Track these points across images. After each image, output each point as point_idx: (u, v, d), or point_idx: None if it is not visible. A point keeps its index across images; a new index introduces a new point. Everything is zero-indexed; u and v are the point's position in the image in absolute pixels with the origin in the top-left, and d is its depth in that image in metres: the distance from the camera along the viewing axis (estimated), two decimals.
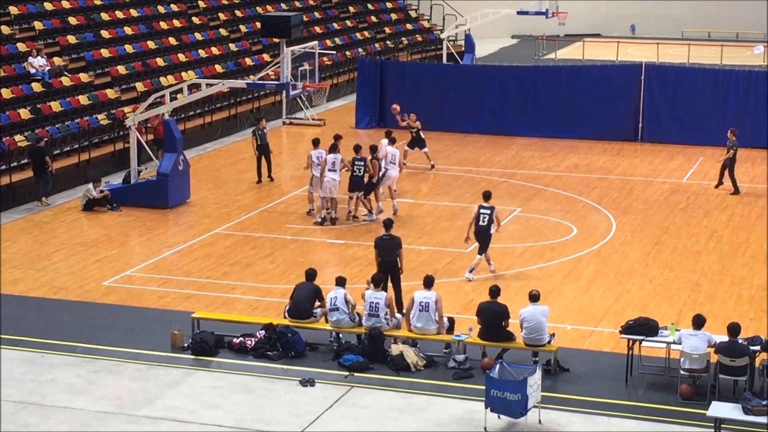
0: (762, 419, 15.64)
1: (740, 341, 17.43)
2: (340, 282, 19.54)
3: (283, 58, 29.08)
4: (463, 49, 50.06)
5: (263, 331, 19.45)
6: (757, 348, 17.66)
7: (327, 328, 19.51)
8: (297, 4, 49.71)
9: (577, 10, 56.74)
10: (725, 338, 17.49)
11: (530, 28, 59.94)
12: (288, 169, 33.12)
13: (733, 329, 17.38)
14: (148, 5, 42.05)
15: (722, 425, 15.94)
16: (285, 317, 19.72)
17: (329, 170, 26.99)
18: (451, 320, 19.34)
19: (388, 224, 21.70)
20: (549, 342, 18.47)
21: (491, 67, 41.68)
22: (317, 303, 19.62)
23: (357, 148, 27.67)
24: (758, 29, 58.73)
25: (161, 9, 42.44)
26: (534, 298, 18.54)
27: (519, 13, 50.72)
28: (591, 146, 36.37)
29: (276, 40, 40.82)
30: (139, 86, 36.48)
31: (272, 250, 25.47)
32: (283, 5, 48.65)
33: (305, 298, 19.58)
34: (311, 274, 19.98)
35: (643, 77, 36.85)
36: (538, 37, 57.59)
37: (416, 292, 19.15)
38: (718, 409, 15.97)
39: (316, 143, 28.16)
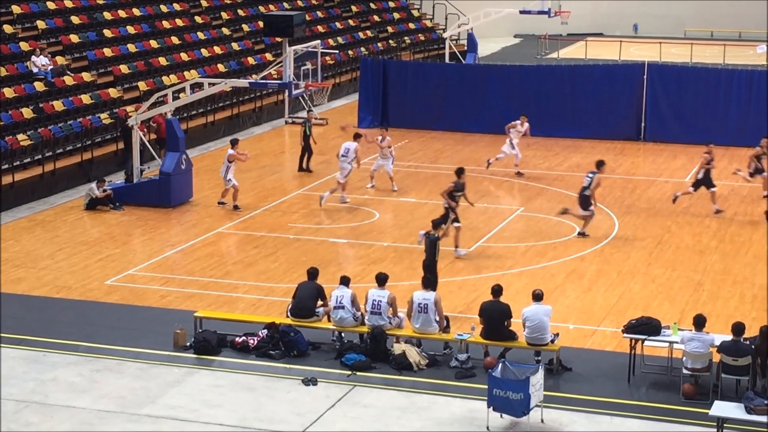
0: (764, 419, 15.62)
1: (742, 341, 17.43)
2: (345, 281, 19.55)
3: (286, 57, 29.08)
4: (465, 48, 50.05)
5: (266, 330, 19.45)
6: None
7: (329, 328, 19.52)
8: (299, 3, 49.68)
9: (579, 9, 56.67)
10: (727, 338, 17.48)
11: (533, 28, 59.90)
12: (289, 168, 33.10)
13: (738, 329, 17.35)
14: (150, 4, 42.03)
15: (725, 425, 15.93)
16: (287, 316, 19.72)
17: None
18: (446, 319, 19.33)
19: (436, 224, 23.06)
20: (552, 341, 18.47)
21: (494, 66, 41.67)
22: (320, 302, 19.64)
23: (600, 162, 26.79)
24: (761, 28, 58.65)
25: (164, 8, 42.43)
26: (537, 297, 18.54)
27: (521, 12, 50.68)
28: (593, 145, 36.33)
29: (278, 39, 40.85)
30: (142, 85, 36.49)
31: (274, 249, 25.47)
32: (285, 4, 48.62)
33: (308, 297, 19.59)
34: (313, 273, 19.98)
35: (645, 76, 36.82)
36: (541, 36, 57.57)
37: (415, 293, 19.11)
38: (721, 408, 15.96)
39: (234, 142, 29.32)
